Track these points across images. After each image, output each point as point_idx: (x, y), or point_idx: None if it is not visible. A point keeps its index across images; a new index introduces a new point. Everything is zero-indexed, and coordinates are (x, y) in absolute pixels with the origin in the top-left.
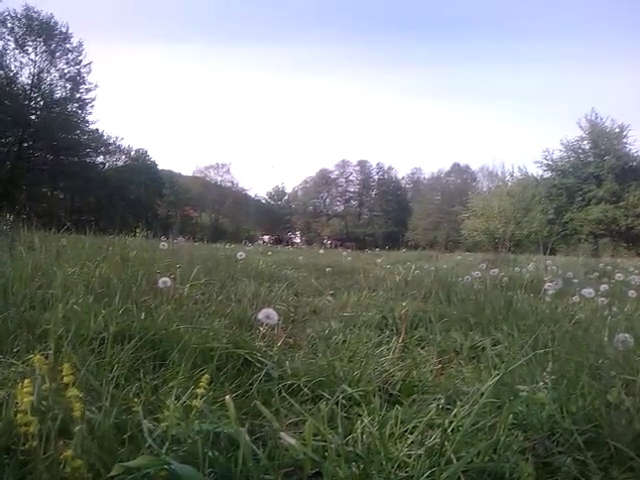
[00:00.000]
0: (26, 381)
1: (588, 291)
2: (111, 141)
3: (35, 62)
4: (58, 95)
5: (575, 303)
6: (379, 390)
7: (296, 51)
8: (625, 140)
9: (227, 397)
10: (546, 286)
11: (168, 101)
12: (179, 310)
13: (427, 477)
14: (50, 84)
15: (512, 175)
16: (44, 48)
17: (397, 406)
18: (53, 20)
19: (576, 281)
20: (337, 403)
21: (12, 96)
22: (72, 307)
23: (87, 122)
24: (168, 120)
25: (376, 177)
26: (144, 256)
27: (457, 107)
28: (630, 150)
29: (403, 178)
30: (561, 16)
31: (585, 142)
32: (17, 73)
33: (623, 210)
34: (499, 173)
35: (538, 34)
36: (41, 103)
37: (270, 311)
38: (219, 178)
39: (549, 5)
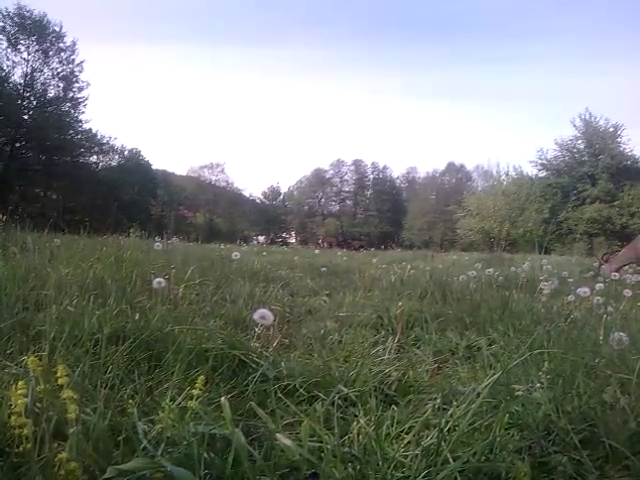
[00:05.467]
0: (20, 383)
1: (583, 290)
2: (104, 141)
3: (28, 61)
4: (51, 94)
5: (570, 302)
6: (375, 390)
7: (293, 52)
8: (619, 139)
9: (222, 398)
10: (542, 285)
11: (162, 101)
12: (174, 311)
13: (423, 477)
14: (43, 83)
15: (507, 174)
16: (37, 47)
17: (393, 406)
18: (46, 19)
19: (571, 280)
20: (333, 403)
21: (4, 96)
22: (66, 308)
23: (80, 122)
24: (162, 120)
25: (371, 177)
26: (138, 257)
27: (452, 107)
28: (624, 149)
29: (398, 178)
30: (556, 17)
31: (579, 141)
32: (9, 72)
33: (617, 209)
34: (494, 172)
35: (534, 35)
36: (34, 102)
37: (265, 311)
38: (213, 178)
39: (545, 7)
